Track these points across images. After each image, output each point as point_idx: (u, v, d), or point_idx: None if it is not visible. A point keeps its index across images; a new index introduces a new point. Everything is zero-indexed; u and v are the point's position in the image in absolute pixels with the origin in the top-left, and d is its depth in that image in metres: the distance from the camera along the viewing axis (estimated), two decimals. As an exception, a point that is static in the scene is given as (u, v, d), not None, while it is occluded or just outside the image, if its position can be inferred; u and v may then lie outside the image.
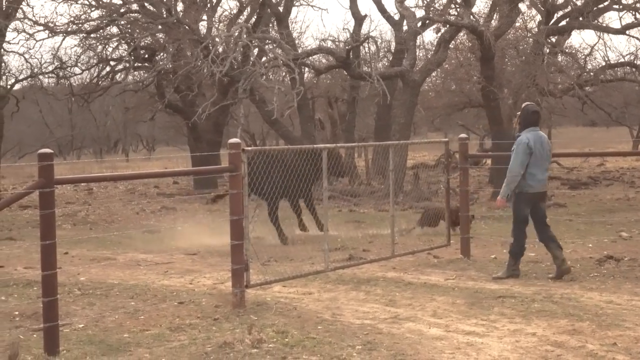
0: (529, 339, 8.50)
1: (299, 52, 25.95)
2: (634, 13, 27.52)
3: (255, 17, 28.94)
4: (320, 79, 32.89)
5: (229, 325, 9.04)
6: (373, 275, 12.34)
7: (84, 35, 27.79)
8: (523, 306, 10.02)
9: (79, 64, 29.95)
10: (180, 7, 27.48)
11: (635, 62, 29.59)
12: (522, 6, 27.15)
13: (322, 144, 14.94)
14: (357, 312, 9.79)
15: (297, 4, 30.31)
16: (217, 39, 24.55)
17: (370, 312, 9.87)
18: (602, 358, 7.87)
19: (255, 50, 25.60)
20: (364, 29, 29.86)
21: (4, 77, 30.70)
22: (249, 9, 29.92)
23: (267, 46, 26.39)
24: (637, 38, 29.02)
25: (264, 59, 25.78)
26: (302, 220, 16.56)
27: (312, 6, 31.68)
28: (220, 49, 23.57)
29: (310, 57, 28.11)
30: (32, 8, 40.73)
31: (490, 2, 27.24)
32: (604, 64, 29.65)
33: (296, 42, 29.60)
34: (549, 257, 13.49)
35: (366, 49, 29.31)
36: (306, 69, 28.81)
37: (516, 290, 11.03)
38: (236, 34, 24.26)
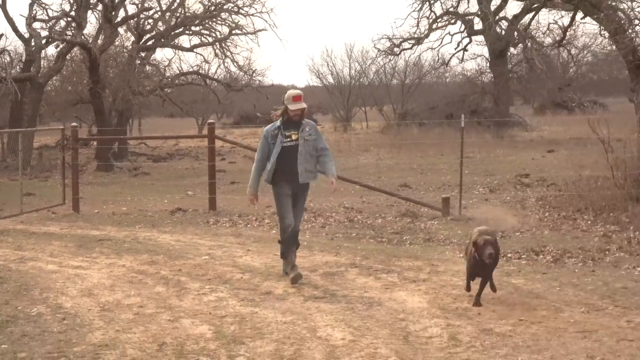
0: (120, 269, 10.15)
1: None
2: (199, 37, 40.13)
3: None
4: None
5: None
6: (5, 228, 14.23)
7: None
8: (117, 246, 11.90)
9: None
10: None
11: (200, 71, 41.72)
12: (120, 29, 35.77)
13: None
14: (-9, 257, 11.12)
15: None
16: None
17: (2, 256, 11.23)
18: (170, 279, 9.48)
19: None
20: (1, 44, 36.35)
21: None
22: None
23: None
24: (201, 54, 42.27)
25: None
26: None
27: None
28: None
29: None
30: None
31: (98, 26, 36.44)
32: (178, 72, 41.88)
33: None
34: (135, 208, 16.51)
35: (3, 58, 34.74)
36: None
37: (112, 235, 13.18)
38: None
